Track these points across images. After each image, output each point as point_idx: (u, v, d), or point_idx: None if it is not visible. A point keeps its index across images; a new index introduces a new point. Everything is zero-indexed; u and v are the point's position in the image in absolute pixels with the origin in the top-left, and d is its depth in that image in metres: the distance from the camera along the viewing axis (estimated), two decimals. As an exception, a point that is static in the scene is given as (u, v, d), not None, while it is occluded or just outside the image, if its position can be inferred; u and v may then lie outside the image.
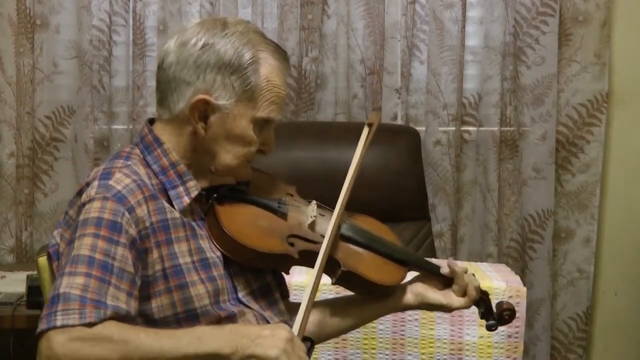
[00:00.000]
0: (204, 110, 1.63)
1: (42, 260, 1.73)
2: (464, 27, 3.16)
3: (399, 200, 2.96)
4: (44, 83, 3.10)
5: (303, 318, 1.58)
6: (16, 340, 2.52)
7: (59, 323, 1.43)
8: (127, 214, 1.55)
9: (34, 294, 2.43)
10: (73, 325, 1.43)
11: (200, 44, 1.63)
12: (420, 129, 3.17)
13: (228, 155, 1.67)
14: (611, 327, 3.37)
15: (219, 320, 1.63)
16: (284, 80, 1.69)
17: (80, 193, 1.61)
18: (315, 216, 1.78)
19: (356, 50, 3.16)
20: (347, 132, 3.05)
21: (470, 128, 3.23)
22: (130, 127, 3.15)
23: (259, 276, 1.75)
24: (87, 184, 1.61)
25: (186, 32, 1.67)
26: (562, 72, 3.21)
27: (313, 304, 1.63)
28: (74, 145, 3.13)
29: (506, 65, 3.19)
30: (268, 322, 1.71)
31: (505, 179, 3.24)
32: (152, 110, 3.16)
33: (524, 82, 3.18)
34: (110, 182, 1.58)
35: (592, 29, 3.18)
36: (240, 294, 1.69)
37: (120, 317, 1.48)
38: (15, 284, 2.67)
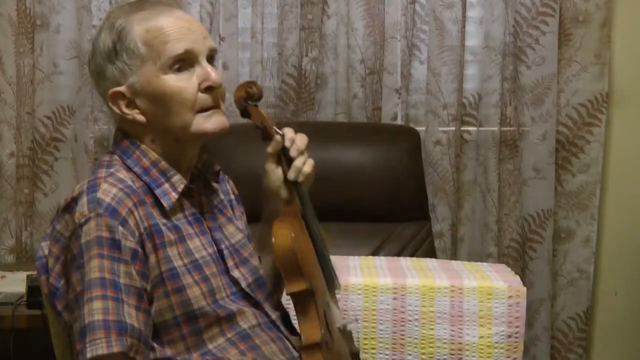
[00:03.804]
0: (124, 99, 1.63)
1: (43, 260, 1.72)
2: (464, 27, 3.16)
3: (399, 200, 2.96)
4: (44, 83, 3.10)
5: None
6: (16, 340, 2.51)
7: (88, 355, 1.47)
8: (120, 227, 1.54)
9: (34, 294, 2.43)
10: (102, 356, 1.47)
11: (91, 53, 1.69)
12: (420, 129, 3.17)
13: (174, 117, 1.62)
14: (611, 327, 3.36)
15: (218, 320, 1.63)
16: (171, 17, 1.63)
17: (67, 208, 1.58)
18: (341, 327, 1.79)
19: (356, 50, 3.16)
20: (347, 132, 3.06)
21: (470, 128, 3.23)
22: (130, 127, 3.15)
23: (252, 270, 1.75)
24: (74, 200, 1.58)
25: None
26: (562, 72, 3.21)
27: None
28: (74, 145, 3.13)
29: (506, 65, 3.19)
30: (268, 316, 1.71)
31: (505, 179, 3.24)
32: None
33: (524, 82, 3.18)
34: (98, 195, 1.56)
35: (592, 29, 3.18)
36: (243, 285, 1.70)
37: (137, 338, 1.51)
38: (15, 284, 2.67)
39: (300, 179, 1.76)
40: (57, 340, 1.71)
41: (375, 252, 2.89)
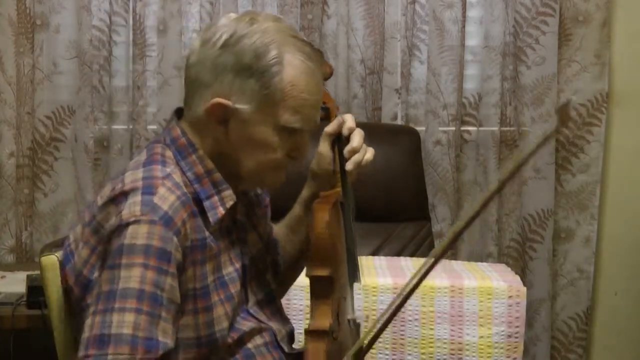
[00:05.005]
0: (222, 114, 1.53)
1: (45, 259, 1.69)
2: (464, 27, 3.16)
3: (399, 200, 2.96)
4: (44, 83, 3.10)
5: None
6: (16, 340, 2.52)
7: None
8: (175, 239, 1.45)
9: (34, 294, 2.43)
10: None
11: (220, 43, 1.52)
12: (420, 129, 3.17)
13: (250, 161, 1.56)
14: (611, 327, 3.36)
15: (231, 344, 1.59)
16: (315, 85, 1.55)
17: (114, 200, 1.49)
18: (350, 320, 1.76)
19: (356, 50, 3.16)
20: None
21: (470, 128, 3.23)
22: (131, 127, 3.15)
23: (263, 284, 1.72)
24: (124, 194, 1.48)
25: (210, 29, 1.57)
26: (562, 72, 3.21)
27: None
28: (74, 145, 3.13)
29: (506, 65, 3.19)
30: (275, 335, 1.68)
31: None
32: (152, 111, 3.16)
33: (524, 82, 3.18)
34: (155, 200, 1.46)
35: (592, 29, 3.18)
36: (248, 305, 1.66)
37: (167, 354, 1.45)
38: (15, 284, 2.67)
39: (356, 169, 1.74)
40: (60, 339, 1.70)
41: (375, 252, 2.89)
